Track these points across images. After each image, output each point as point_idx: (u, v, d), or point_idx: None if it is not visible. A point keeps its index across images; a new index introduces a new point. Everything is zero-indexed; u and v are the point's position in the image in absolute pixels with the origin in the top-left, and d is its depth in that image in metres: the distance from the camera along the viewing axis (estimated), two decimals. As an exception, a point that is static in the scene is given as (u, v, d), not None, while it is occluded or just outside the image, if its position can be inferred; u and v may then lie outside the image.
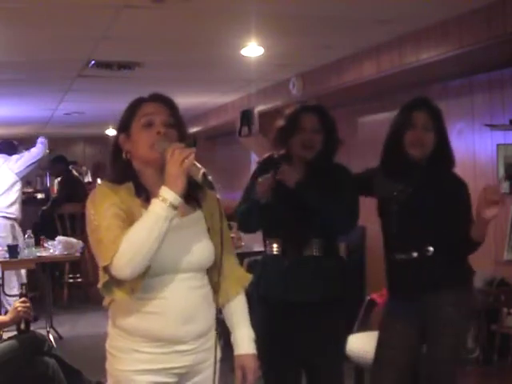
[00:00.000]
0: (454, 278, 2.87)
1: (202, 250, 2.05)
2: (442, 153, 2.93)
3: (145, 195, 2.01)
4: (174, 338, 1.99)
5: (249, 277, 2.25)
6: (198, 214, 2.10)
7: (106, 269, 1.91)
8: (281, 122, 3.06)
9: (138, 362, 1.99)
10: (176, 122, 2.07)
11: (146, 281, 1.94)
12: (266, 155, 3.17)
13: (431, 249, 2.84)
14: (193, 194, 2.04)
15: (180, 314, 1.99)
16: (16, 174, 6.95)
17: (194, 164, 1.88)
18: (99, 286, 1.96)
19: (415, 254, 2.86)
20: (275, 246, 3.02)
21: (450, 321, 2.83)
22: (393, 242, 2.95)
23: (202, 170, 1.88)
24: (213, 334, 2.07)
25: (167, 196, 1.87)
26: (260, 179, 2.92)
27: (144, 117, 2.04)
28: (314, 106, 3.10)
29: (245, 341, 2.17)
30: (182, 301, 2.00)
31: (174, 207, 1.87)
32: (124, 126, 2.08)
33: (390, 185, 2.95)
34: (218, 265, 2.06)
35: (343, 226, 3.01)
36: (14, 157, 7.08)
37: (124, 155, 2.07)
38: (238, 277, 2.21)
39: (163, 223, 1.87)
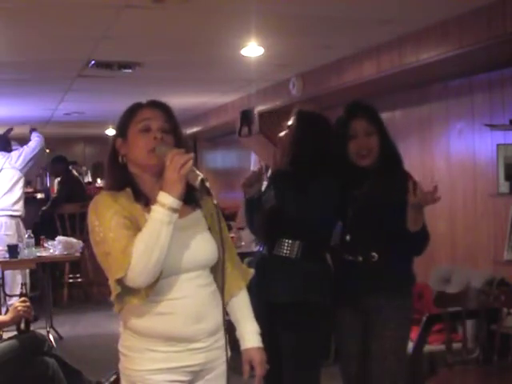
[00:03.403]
0: (397, 285, 2.89)
1: (206, 247, 2.08)
2: (388, 153, 2.91)
3: (144, 200, 2.03)
4: (187, 336, 2.01)
5: (251, 272, 2.29)
6: (197, 214, 2.12)
7: (119, 281, 1.92)
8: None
9: (153, 361, 2.00)
10: (172, 127, 2.09)
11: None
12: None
13: (376, 255, 2.86)
14: (191, 195, 2.05)
15: (191, 312, 2.01)
16: (19, 170, 6.95)
17: (193, 170, 1.90)
18: (112, 298, 1.97)
19: (360, 258, 2.89)
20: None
21: (388, 326, 2.84)
22: (344, 246, 2.96)
23: (200, 177, 1.90)
24: (223, 332, 2.09)
25: (166, 201, 1.88)
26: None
27: (141, 122, 2.06)
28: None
29: (251, 334, 2.19)
30: (192, 299, 2.02)
31: (174, 210, 1.89)
32: (121, 131, 2.10)
33: (347, 192, 2.95)
34: (220, 265, 2.07)
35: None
36: (15, 153, 7.06)
37: (120, 159, 2.09)
38: (240, 272, 2.23)
39: (167, 228, 1.89)
